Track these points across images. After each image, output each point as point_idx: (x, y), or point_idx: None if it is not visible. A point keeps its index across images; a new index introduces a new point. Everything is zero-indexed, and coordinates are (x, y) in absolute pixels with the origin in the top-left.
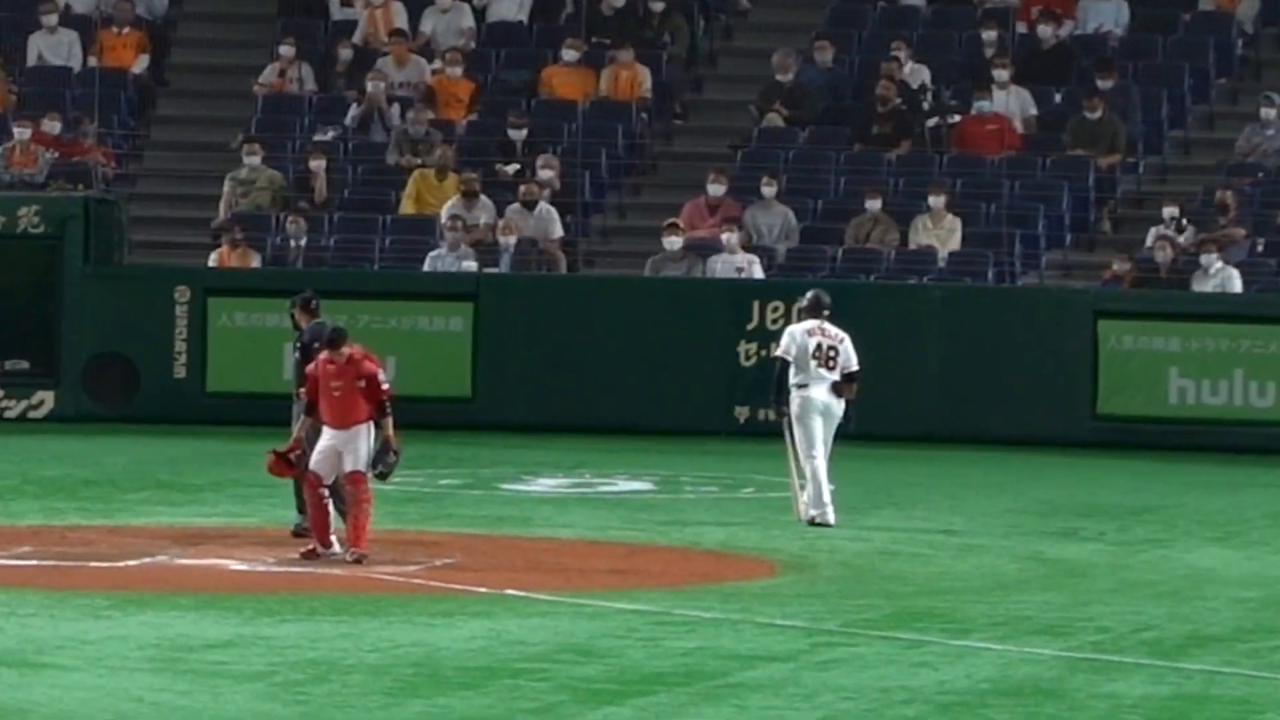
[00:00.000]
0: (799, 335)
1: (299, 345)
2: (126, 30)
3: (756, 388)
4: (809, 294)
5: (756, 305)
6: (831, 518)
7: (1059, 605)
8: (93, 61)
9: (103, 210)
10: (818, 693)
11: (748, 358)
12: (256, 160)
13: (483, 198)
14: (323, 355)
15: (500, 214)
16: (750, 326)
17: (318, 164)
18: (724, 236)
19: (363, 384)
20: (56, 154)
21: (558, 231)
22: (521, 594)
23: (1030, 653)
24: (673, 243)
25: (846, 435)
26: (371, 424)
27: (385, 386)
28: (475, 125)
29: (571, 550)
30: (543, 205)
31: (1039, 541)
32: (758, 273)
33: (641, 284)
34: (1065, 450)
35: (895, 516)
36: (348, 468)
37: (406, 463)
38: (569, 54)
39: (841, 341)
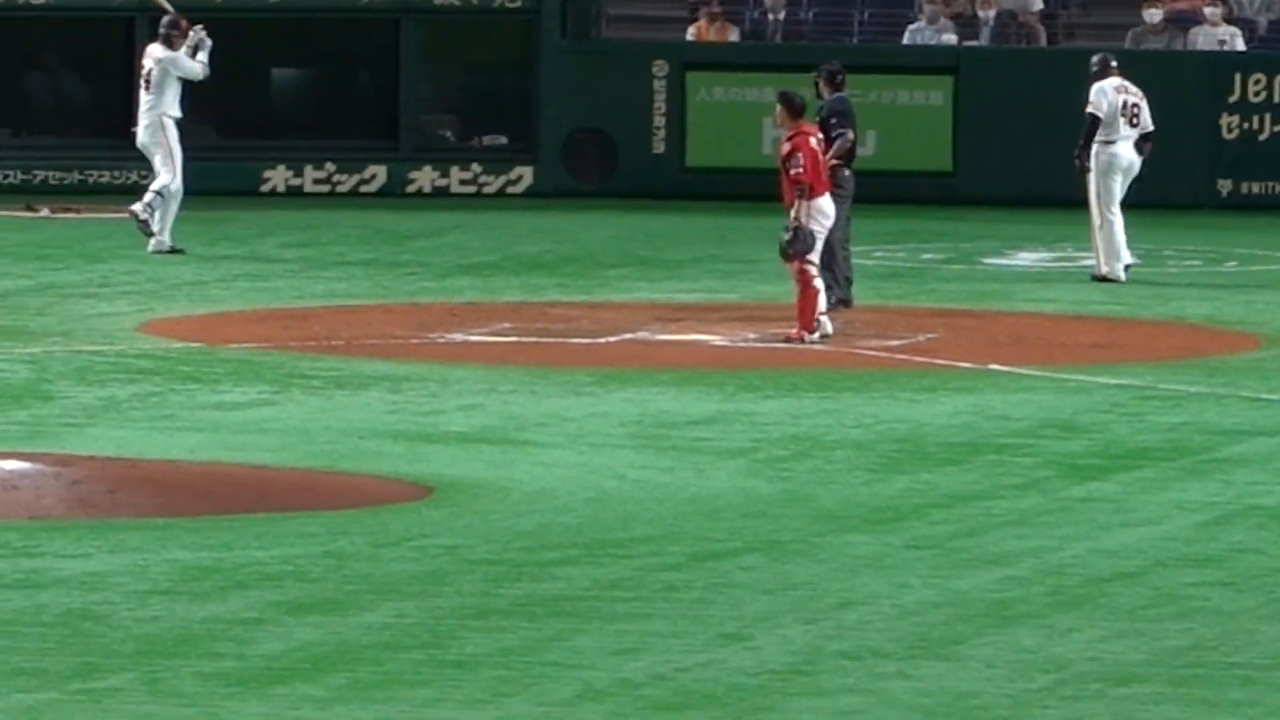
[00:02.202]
0: (1109, 92)
1: (817, 119)
2: None
3: (1240, 161)
4: (1099, 56)
5: (1238, 78)
6: (1123, 274)
7: None
8: None
9: None
10: None
11: (1230, 130)
12: None
13: None
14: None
15: None
16: (1232, 99)
17: None
18: (1206, 9)
19: None
20: None
21: (1037, 4)
22: (1005, 369)
23: None
24: (1153, 15)
25: None
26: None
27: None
28: None
29: (1055, 325)
30: None
31: None
32: (1239, 45)
33: (1123, 56)
34: None
35: None
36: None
37: (888, 238)
38: None
39: (1143, 99)
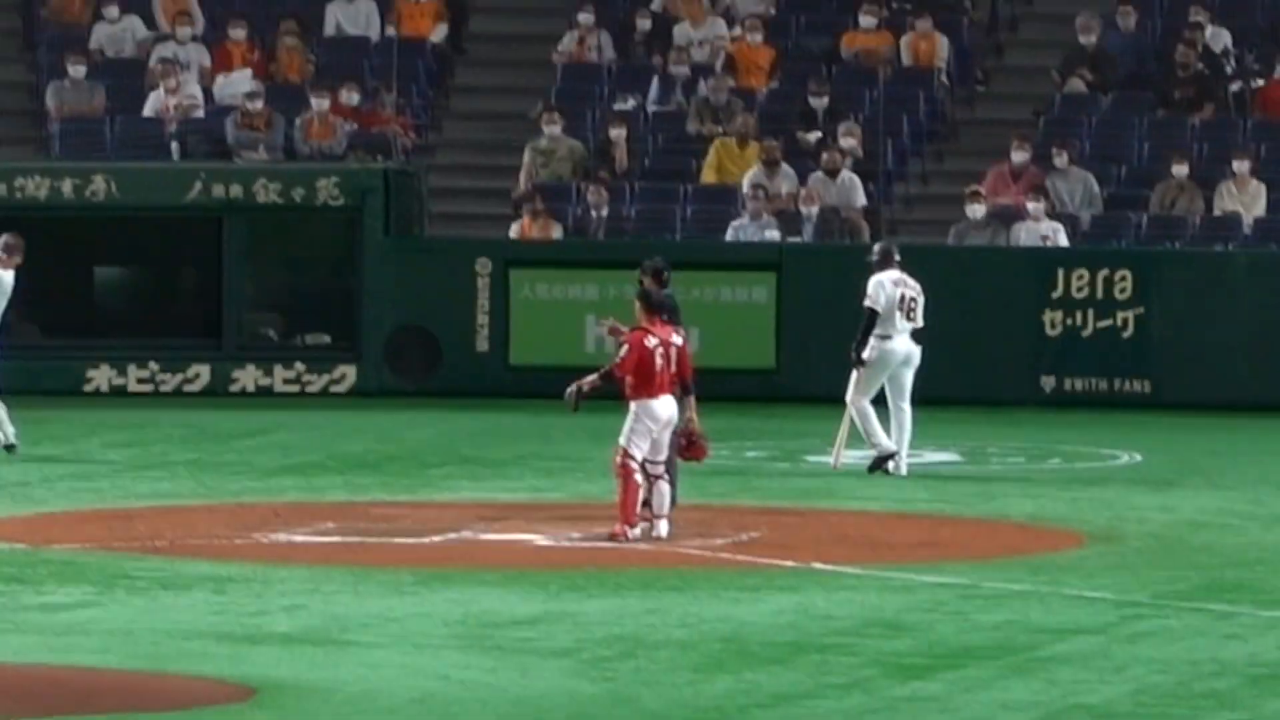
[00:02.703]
0: (888, 286)
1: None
2: None
3: (1063, 357)
4: (880, 246)
5: (1062, 273)
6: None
7: None
8: (390, 31)
9: (402, 181)
10: (1128, 665)
11: (1053, 326)
12: (557, 130)
13: (784, 166)
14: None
15: (803, 182)
16: (1055, 294)
17: (618, 133)
18: (1029, 205)
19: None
20: (355, 125)
21: (861, 200)
22: (828, 568)
23: None
24: (976, 210)
25: (1156, 405)
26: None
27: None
28: (776, 93)
29: (878, 523)
30: (845, 174)
31: None
32: (1062, 240)
33: (945, 252)
34: None
35: (1203, 486)
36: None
37: (712, 435)
38: (867, 20)
39: (920, 294)
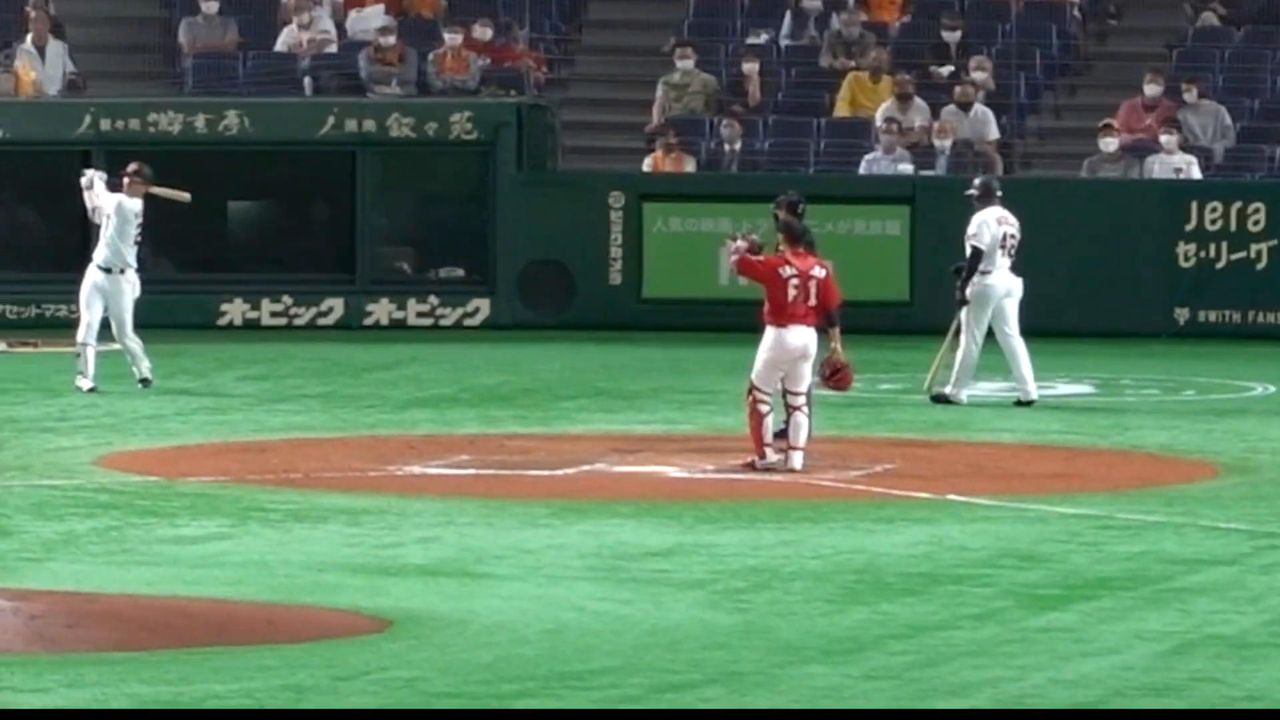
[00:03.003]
0: (992, 224)
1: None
2: None
3: (1197, 289)
4: (980, 181)
5: (1194, 206)
6: (964, 398)
7: None
8: None
9: (535, 115)
10: (1262, 596)
11: (1186, 259)
12: (689, 64)
13: (917, 100)
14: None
15: (935, 116)
16: (1189, 227)
17: (751, 67)
18: (1162, 137)
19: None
20: (488, 59)
21: (993, 133)
22: (963, 499)
23: None
24: (1109, 144)
25: None
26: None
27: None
28: (908, 27)
29: (1012, 455)
30: (978, 107)
31: None
32: (1195, 173)
33: (1079, 185)
34: None
35: None
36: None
37: None
38: None
39: (1018, 230)
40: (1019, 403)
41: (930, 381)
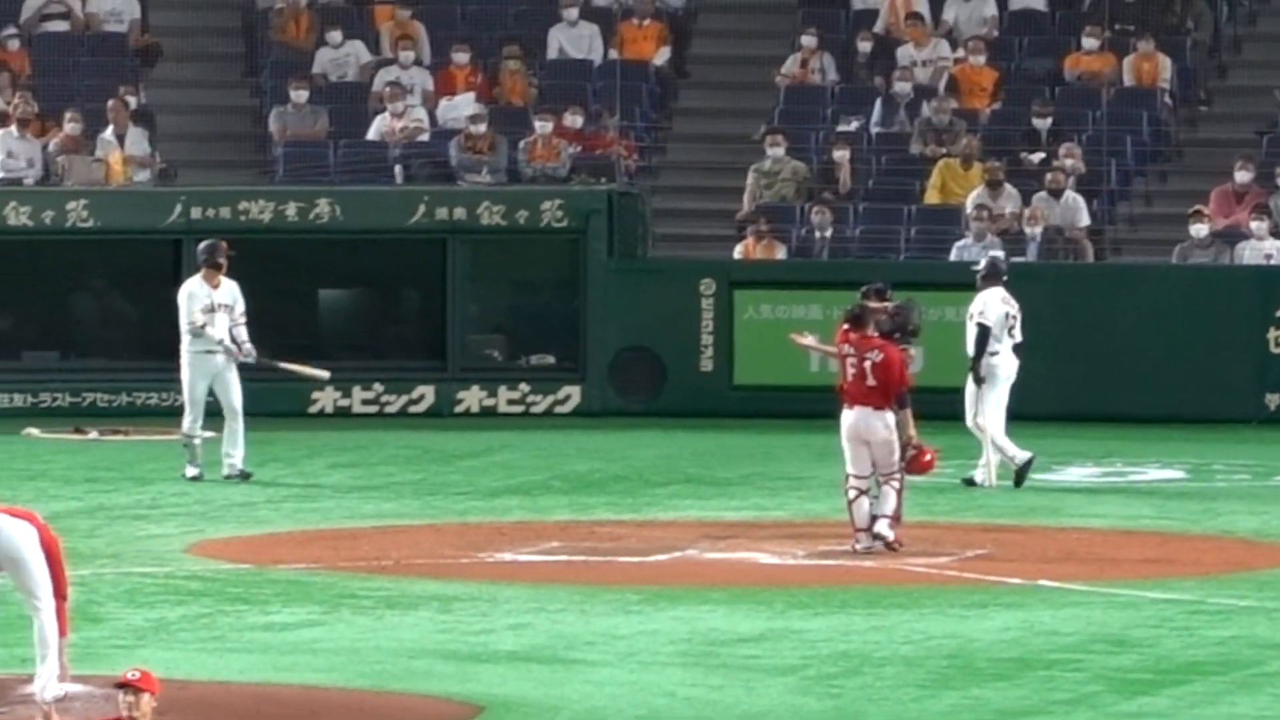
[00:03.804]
0: (997, 304)
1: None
2: (647, 22)
3: None
4: (987, 260)
5: None
6: (990, 481)
7: None
8: (613, 54)
9: (626, 203)
10: None
11: (1277, 344)
12: (780, 151)
13: (1008, 186)
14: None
15: (1026, 203)
16: (1279, 313)
17: (842, 154)
18: (1252, 224)
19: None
20: (578, 147)
21: (1084, 219)
22: (1054, 584)
23: None
24: (1200, 230)
25: None
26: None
27: None
28: (999, 114)
29: (1104, 540)
30: (1069, 193)
31: None
32: None
33: (1169, 271)
34: None
35: None
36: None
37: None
38: (1090, 42)
39: (1018, 311)
40: (968, 481)
41: (994, 474)
